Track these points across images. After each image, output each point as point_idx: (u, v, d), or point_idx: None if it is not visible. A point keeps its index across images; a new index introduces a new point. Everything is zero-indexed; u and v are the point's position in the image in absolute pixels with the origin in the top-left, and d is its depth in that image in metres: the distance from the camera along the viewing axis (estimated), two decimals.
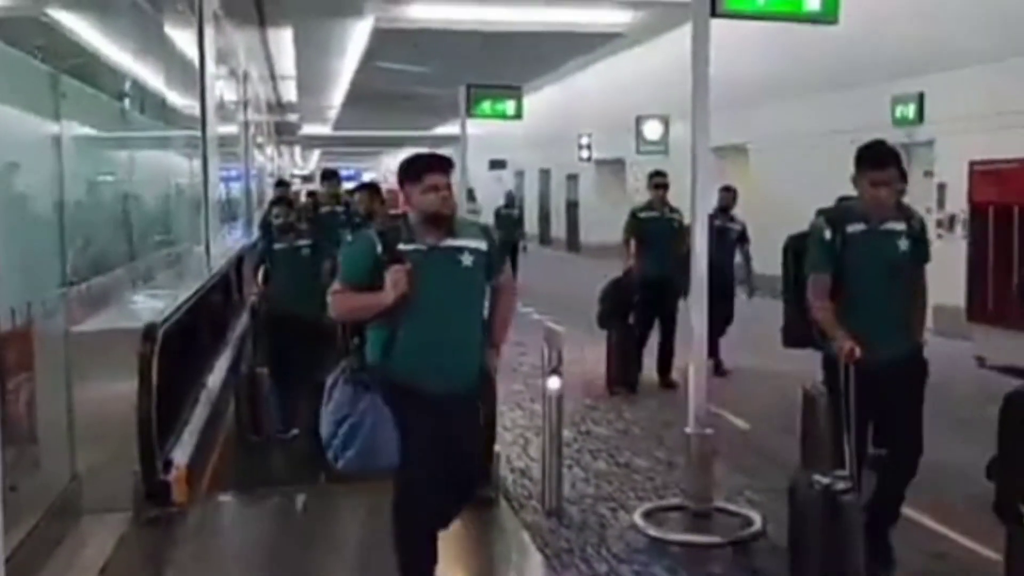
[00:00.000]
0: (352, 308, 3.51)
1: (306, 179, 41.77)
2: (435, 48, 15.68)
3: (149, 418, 4.59)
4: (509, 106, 10.27)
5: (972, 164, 9.41)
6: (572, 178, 25.00)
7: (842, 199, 4.59)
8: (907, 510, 4.25)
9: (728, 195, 8.85)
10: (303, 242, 7.00)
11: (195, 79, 9.72)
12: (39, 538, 4.10)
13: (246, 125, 18.05)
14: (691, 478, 4.49)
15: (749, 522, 4.50)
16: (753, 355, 8.38)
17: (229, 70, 14.63)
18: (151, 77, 8.54)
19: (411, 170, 3.52)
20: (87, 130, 6.21)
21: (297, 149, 48.11)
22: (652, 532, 4.48)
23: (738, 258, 8.81)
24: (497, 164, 28.54)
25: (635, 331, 7.97)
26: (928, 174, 11.13)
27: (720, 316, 8.15)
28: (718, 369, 8.28)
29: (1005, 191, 8.84)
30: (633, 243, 8.04)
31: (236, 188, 17.00)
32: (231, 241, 12.50)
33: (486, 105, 10.11)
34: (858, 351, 3.77)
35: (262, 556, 4.67)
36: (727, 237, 8.53)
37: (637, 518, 4.63)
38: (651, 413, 7.21)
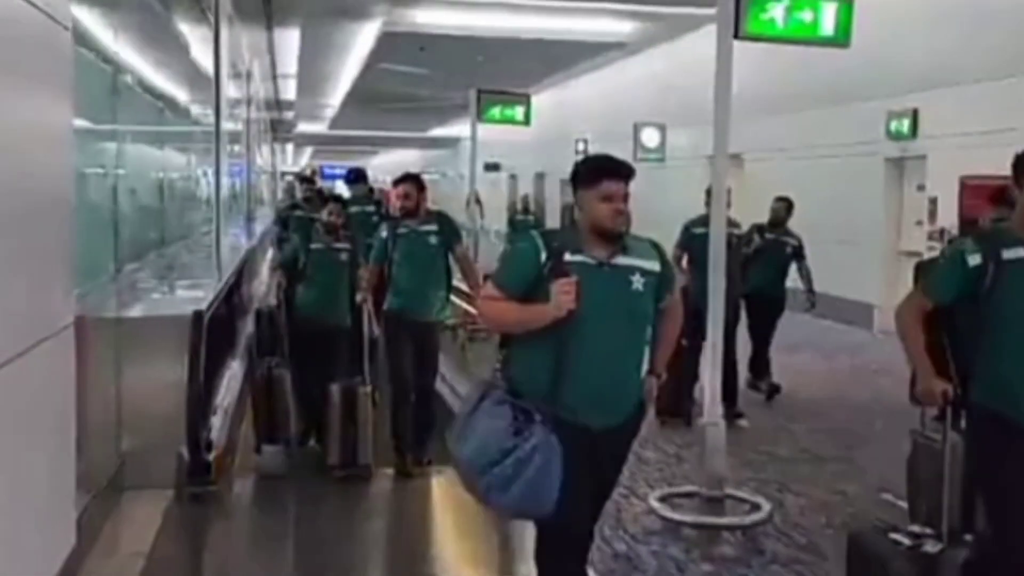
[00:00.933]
0: (509, 321, 3.12)
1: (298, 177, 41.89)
2: (440, 52, 16.01)
3: (198, 399, 4.88)
4: (518, 111, 10.61)
5: (963, 179, 9.81)
6: (567, 183, 25.30)
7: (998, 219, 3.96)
8: None
9: (781, 206, 8.06)
10: (341, 246, 6.49)
11: (206, 76, 9.97)
12: (92, 513, 4.38)
13: (248, 123, 18.34)
14: (703, 465, 4.80)
15: (757, 507, 4.83)
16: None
17: (236, 69, 14.92)
18: (172, 76, 8.83)
19: (587, 173, 3.15)
20: (133, 125, 6.50)
21: (290, 147, 48.35)
22: (667, 514, 4.81)
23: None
24: (491, 167, 28.87)
25: (692, 356, 6.55)
26: (921, 188, 11.53)
27: (764, 335, 7.83)
28: (772, 391, 7.93)
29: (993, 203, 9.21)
30: (685, 260, 7.14)
31: (237, 184, 17.15)
32: (233, 237, 12.69)
33: (496, 110, 10.43)
34: (950, 392, 3.22)
35: (302, 533, 4.97)
36: (780, 252, 7.87)
37: (653, 501, 4.95)
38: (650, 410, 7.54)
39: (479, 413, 3.00)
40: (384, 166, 56.19)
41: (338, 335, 6.25)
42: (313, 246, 6.44)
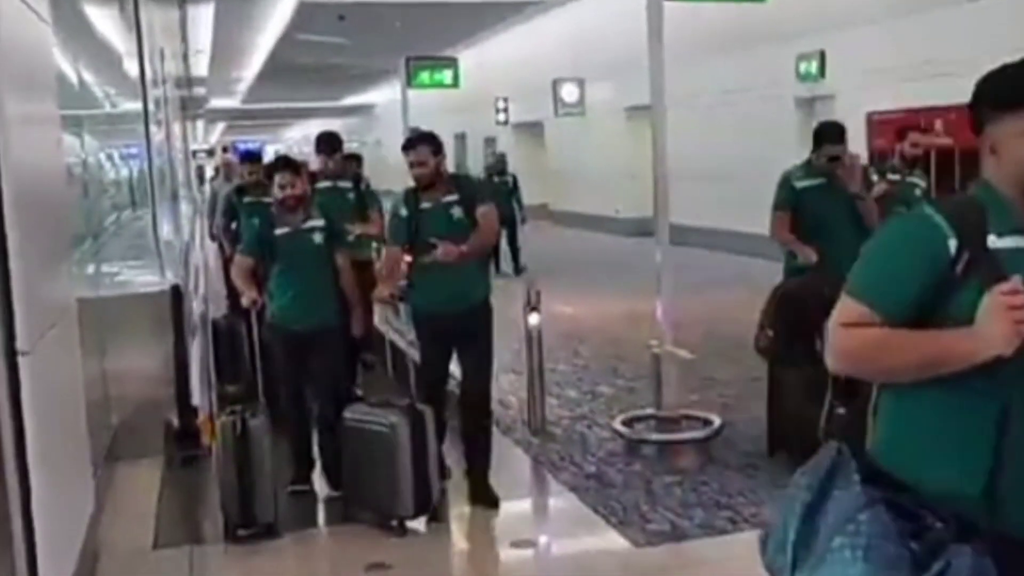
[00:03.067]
0: (903, 362, 1.79)
1: (209, 153, 41.29)
2: (359, 20, 16.09)
3: (185, 366, 5.17)
4: (447, 75, 10.88)
5: (869, 115, 10.46)
6: (489, 142, 25.65)
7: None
8: None
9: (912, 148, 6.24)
10: (313, 224, 4.88)
11: (113, 53, 9.85)
12: (97, 483, 4.66)
13: (165, 101, 18.19)
14: (660, 390, 5.28)
15: (709, 423, 5.34)
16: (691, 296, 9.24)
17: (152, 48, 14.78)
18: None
19: (1011, 91, 1.83)
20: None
21: (200, 123, 47.49)
22: (630, 435, 5.29)
23: None
24: (411, 131, 28.96)
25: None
26: None
27: None
28: None
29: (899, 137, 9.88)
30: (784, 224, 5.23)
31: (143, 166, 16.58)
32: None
33: (425, 75, 10.69)
34: None
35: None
36: (910, 196, 5.77)
37: (617, 425, 5.42)
38: (598, 349, 8.04)
39: (832, 518, 1.75)
40: (297, 138, 55.60)
41: (326, 340, 4.75)
42: (278, 232, 4.83)
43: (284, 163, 5.03)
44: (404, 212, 4.58)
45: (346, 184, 6.48)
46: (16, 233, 2.90)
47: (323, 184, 6.29)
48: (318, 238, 4.85)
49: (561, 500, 4.79)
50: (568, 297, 10.03)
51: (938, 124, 9.81)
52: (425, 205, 4.55)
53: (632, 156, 15.50)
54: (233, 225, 7.46)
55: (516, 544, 4.31)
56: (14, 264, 2.90)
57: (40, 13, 3.60)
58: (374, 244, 6.59)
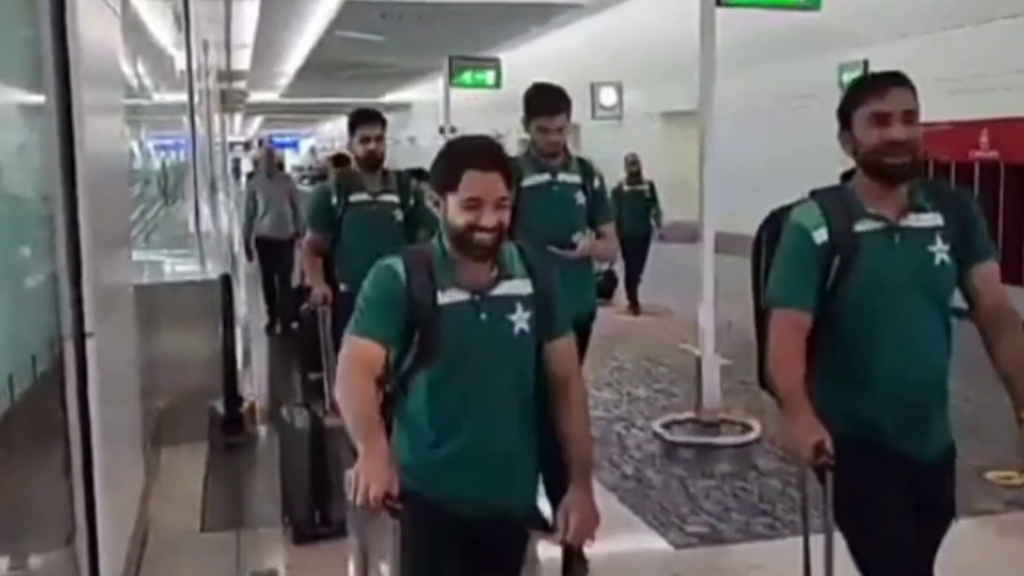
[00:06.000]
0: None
1: (246, 146, 41.66)
2: (400, 19, 16.21)
3: (233, 355, 5.26)
4: (488, 76, 10.94)
5: None
6: (526, 143, 25.67)
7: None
8: None
9: None
10: (390, 198, 4.51)
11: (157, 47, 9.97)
12: (145, 468, 4.76)
13: (208, 94, 18.42)
14: (701, 394, 5.31)
15: (749, 428, 5.36)
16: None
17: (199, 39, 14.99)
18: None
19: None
20: None
21: (238, 116, 47.96)
22: (670, 438, 5.32)
23: None
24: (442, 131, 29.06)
25: None
26: None
27: None
28: None
29: (936, 150, 9.86)
30: None
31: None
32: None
33: (467, 75, 10.76)
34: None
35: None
36: None
37: (657, 427, 5.46)
38: (634, 352, 8.07)
39: None
40: (332, 133, 55.97)
41: None
42: (353, 198, 4.45)
43: (370, 114, 4.60)
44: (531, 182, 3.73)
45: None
46: (87, 220, 2.99)
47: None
48: (398, 214, 4.55)
49: (600, 500, 4.81)
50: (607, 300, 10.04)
51: (983, 136, 9.76)
52: (542, 179, 3.87)
53: (667, 161, 15.50)
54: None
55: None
56: (85, 249, 2.99)
57: (113, 7, 3.71)
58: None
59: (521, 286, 2.15)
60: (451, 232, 2.09)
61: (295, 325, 6.71)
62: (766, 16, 10.22)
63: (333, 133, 55.29)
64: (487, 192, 2.05)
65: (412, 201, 4.58)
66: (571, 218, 3.80)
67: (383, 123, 4.55)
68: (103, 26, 3.49)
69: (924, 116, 2.32)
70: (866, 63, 11.98)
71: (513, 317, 2.11)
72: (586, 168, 3.88)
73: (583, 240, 3.77)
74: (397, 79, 27.23)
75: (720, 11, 5.24)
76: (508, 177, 2.07)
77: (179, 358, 5.61)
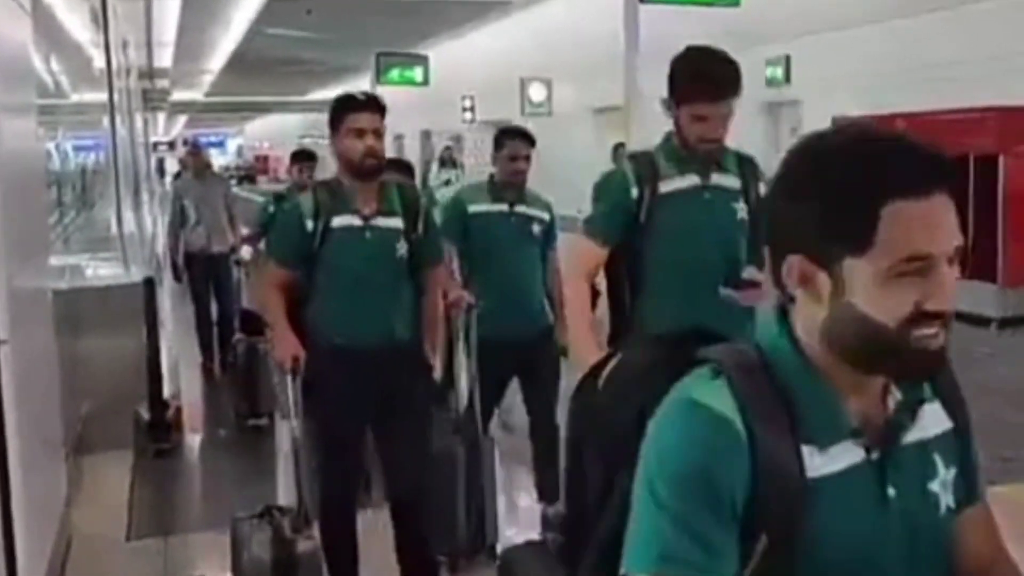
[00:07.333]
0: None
1: (170, 146, 40.89)
2: (327, 15, 16.06)
3: (157, 359, 5.16)
4: (417, 72, 10.89)
5: (835, 119, 10.64)
6: (456, 140, 25.70)
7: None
8: None
9: None
10: (389, 223, 3.17)
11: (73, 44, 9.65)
12: (68, 473, 4.65)
13: (129, 93, 18.04)
14: None
15: None
16: None
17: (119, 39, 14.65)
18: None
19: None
20: None
21: (161, 116, 47.00)
22: None
23: None
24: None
25: None
26: (795, 131, 12.39)
27: None
28: None
29: None
30: None
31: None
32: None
33: (395, 72, 10.70)
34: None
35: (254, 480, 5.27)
36: None
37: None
38: None
39: None
40: (259, 132, 55.22)
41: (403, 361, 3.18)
42: (337, 222, 3.12)
43: (366, 100, 3.19)
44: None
45: None
46: (2, 223, 2.91)
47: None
48: (400, 246, 3.17)
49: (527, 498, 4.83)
50: None
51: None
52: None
53: (600, 157, 15.62)
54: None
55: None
56: (0, 254, 2.91)
57: (22, 4, 3.61)
58: None
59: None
60: None
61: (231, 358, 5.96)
62: (693, 12, 10.39)
63: (261, 132, 54.56)
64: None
65: (421, 227, 3.20)
66: (730, 239, 2.65)
67: (382, 112, 3.14)
68: (11, 24, 3.39)
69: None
70: (787, 58, 12.25)
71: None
72: (747, 167, 2.74)
73: (756, 274, 2.52)
74: (326, 76, 26.98)
75: (650, 7, 5.29)
76: None
77: (103, 363, 5.48)
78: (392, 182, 3.29)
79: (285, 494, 3.82)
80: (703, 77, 2.56)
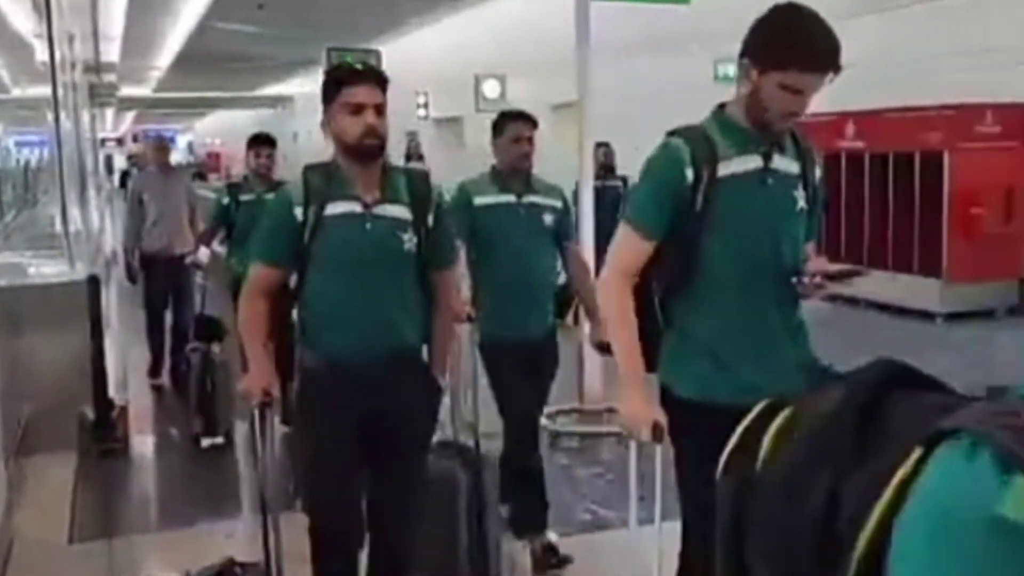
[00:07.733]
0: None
1: (119, 142, 40.22)
2: (278, 10, 15.89)
3: (101, 357, 5.05)
4: None
5: None
6: (410, 135, 25.58)
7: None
8: None
9: None
10: (395, 212, 2.71)
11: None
12: (9, 475, 4.54)
13: (75, 87, 17.69)
14: (586, 385, 5.37)
15: None
16: None
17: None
18: None
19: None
20: None
21: (110, 111, 46.26)
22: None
23: None
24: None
25: None
26: None
27: None
28: None
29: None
30: None
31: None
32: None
33: None
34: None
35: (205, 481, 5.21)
36: None
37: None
38: None
39: None
40: (210, 129, 54.47)
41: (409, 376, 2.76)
42: (330, 210, 2.66)
43: (363, 71, 2.74)
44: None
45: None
46: None
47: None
48: (407, 239, 2.69)
49: None
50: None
51: (849, 128, 10.15)
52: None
53: (557, 153, 15.63)
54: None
55: None
56: None
57: None
58: None
59: None
60: None
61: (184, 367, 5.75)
62: (647, 10, 10.43)
63: (212, 128, 53.81)
64: None
65: (432, 218, 2.74)
66: (789, 232, 2.36)
67: (384, 85, 2.70)
68: None
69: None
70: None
71: None
72: (804, 149, 2.42)
73: (813, 261, 2.37)
74: (277, 72, 26.71)
75: (603, 4, 5.28)
76: None
77: (46, 363, 5.36)
78: (399, 167, 2.85)
79: (248, 548, 3.32)
80: (808, 41, 2.17)
